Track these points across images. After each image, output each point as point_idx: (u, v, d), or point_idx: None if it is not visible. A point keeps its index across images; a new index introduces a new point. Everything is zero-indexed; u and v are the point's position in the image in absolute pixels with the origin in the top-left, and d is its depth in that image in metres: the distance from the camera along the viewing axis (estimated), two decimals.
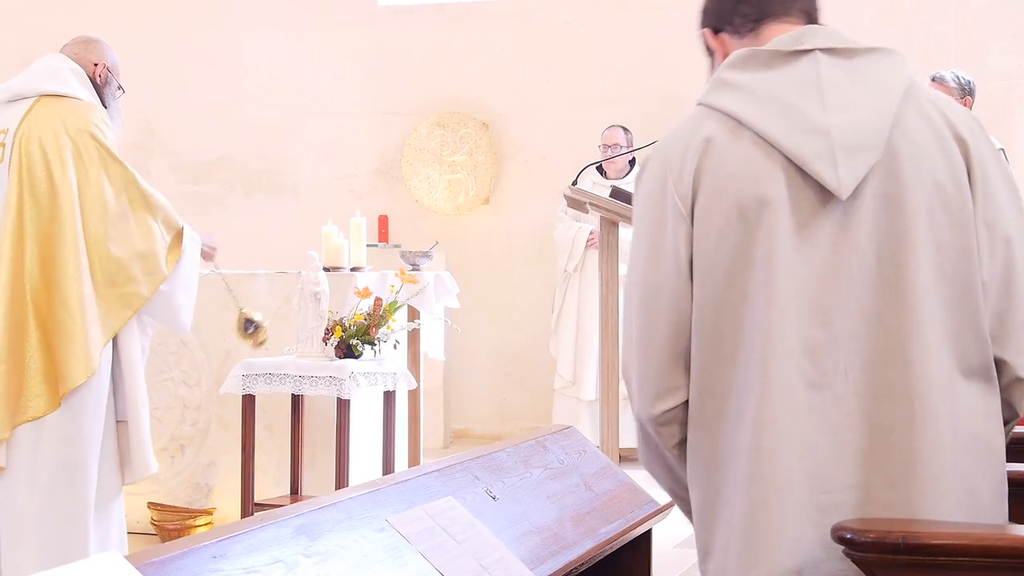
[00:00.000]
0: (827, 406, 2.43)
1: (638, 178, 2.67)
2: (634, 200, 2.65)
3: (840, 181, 2.43)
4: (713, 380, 2.50)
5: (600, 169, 9.41)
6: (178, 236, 4.90)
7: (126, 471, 4.89)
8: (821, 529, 2.40)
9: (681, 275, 2.51)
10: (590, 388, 9.54)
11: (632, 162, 9.69)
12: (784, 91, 2.50)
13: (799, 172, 2.45)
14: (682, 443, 2.59)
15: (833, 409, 2.43)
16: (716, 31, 2.74)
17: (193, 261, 4.98)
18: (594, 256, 9.59)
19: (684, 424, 2.57)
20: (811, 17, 2.66)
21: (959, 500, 2.43)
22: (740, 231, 2.47)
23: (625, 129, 9.81)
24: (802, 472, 2.41)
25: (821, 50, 2.53)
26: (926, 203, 2.45)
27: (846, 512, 2.41)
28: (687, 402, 2.55)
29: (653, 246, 2.55)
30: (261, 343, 5.61)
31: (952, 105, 2.59)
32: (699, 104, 2.61)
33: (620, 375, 8.20)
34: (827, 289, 2.44)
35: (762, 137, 2.48)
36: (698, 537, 2.58)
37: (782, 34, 2.59)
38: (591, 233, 9.59)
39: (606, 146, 9.73)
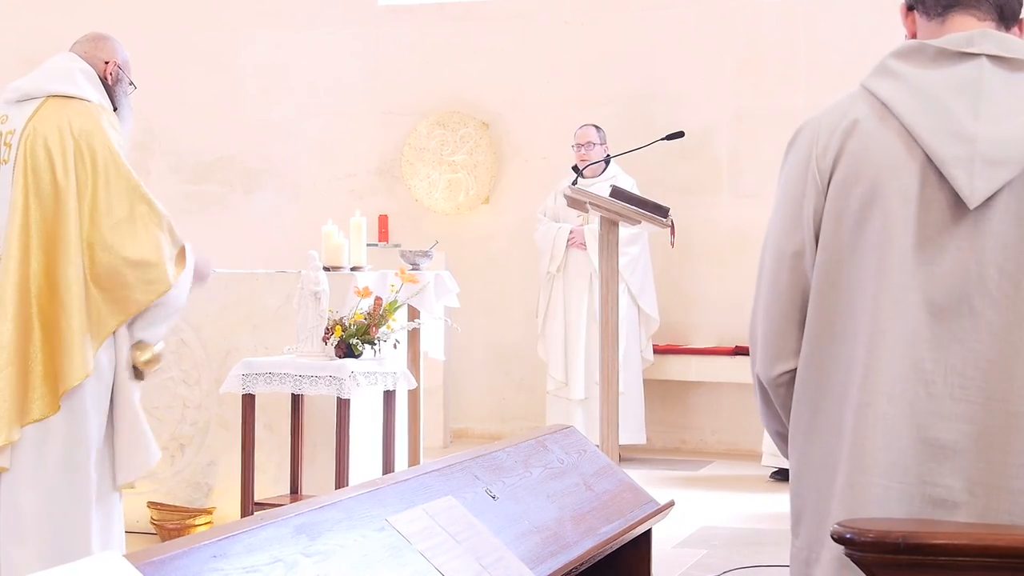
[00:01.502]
0: (921, 401, 2.47)
1: (788, 146, 2.71)
2: (782, 166, 2.72)
3: (973, 190, 2.45)
4: (822, 355, 2.58)
5: (576, 168, 9.40)
6: (182, 251, 4.88)
7: (120, 470, 4.86)
8: (900, 515, 2.45)
9: (810, 245, 2.60)
10: (580, 387, 9.55)
11: (607, 160, 9.64)
12: (942, 91, 2.51)
13: (936, 172, 2.48)
14: (787, 407, 2.69)
15: (927, 405, 2.47)
16: (909, 8, 2.73)
17: (189, 280, 4.93)
18: (576, 255, 9.61)
19: (792, 388, 2.67)
20: (1003, 13, 2.63)
21: None
22: (866, 216, 2.52)
23: (597, 127, 9.81)
24: (889, 459, 2.47)
25: (989, 56, 2.53)
26: None
27: (922, 505, 2.45)
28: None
29: (789, 215, 2.64)
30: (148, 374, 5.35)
31: None
32: (861, 85, 2.63)
33: (603, 372, 8.19)
34: (940, 290, 2.47)
35: (908, 131, 2.51)
36: (792, 501, 2.68)
37: (964, 28, 2.59)
38: (571, 232, 9.59)
39: (579, 145, 9.73)
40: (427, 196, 11.26)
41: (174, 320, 5.00)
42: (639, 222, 8.36)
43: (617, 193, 8.24)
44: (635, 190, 9.19)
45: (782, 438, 2.76)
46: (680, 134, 8.81)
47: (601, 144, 9.73)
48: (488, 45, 11.13)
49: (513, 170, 11.18)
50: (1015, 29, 2.65)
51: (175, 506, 6.93)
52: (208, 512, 6.87)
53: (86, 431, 4.71)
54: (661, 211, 8.29)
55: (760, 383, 2.73)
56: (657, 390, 10.14)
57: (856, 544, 2.33)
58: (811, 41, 10.01)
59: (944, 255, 2.47)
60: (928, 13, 2.67)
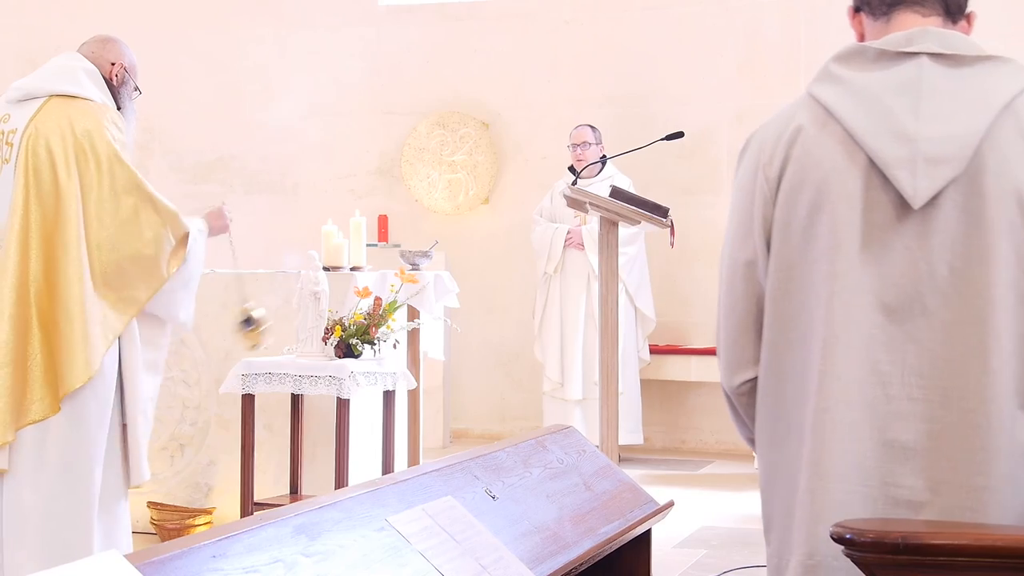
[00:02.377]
0: (878, 403, 2.47)
1: (739, 155, 2.73)
2: (734, 176, 2.73)
3: (916, 190, 2.45)
4: (779, 362, 2.59)
5: (572, 169, 9.40)
6: (183, 239, 4.88)
7: (133, 471, 4.87)
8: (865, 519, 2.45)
9: (762, 254, 2.61)
10: (577, 388, 9.55)
11: (604, 160, 9.64)
12: (882, 92, 2.51)
13: (880, 174, 2.48)
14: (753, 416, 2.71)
15: (884, 407, 2.47)
16: (856, 10, 2.73)
17: (198, 259, 4.96)
18: (573, 256, 9.60)
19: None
20: (948, 8, 2.63)
21: (1005, 515, 2.44)
22: (814, 222, 2.53)
23: (592, 127, 9.80)
24: (850, 463, 2.47)
25: (929, 55, 2.52)
26: (1007, 219, 2.45)
27: (886, 507, 2.45)
28: None
29: (741, 224, 2.65)
30: (254, 346, 5.53)
31: None
32: (806, 91, 2.64)
33: (603, 373, 8.20)
34: (892, 291, 2.47)
35: (849, 134, 2.51)
36: (762, 508, 2.70)
37: (909, 26, 2.59)
38: (568, 233, 9.59)
39: (575, 145, 9.72)
40: (427, 196, 11.26)
41: (193, 298, 5.00)
42: (639, 222, 8.36)
43: (617, 193, 8.25)
44: (632, 190, 9.19)
45: (754, 445, 2.77)
46: (680, 134, 8.81)
47: (597, 144, 9.72)
48: (488, 45, 11.14)
49: (513, 170, 11.18)
50: (963, 23, 2.65)
51: (175, 506, 6.93)
52: (208, 512, 6.87)
53: (88, 432, 4.70)
54: (661, 211, 8.30)
55: (726, 394, 2.75)
56: (657, 390, 10.14)
57: (856, 544, 2.33)
58: (811, 41, 10.01)
59: (893, 256, 2.47)
60: (874, 13, 2.67)
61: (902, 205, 2.47)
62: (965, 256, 2.45)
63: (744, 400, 2.70)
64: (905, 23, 2.61)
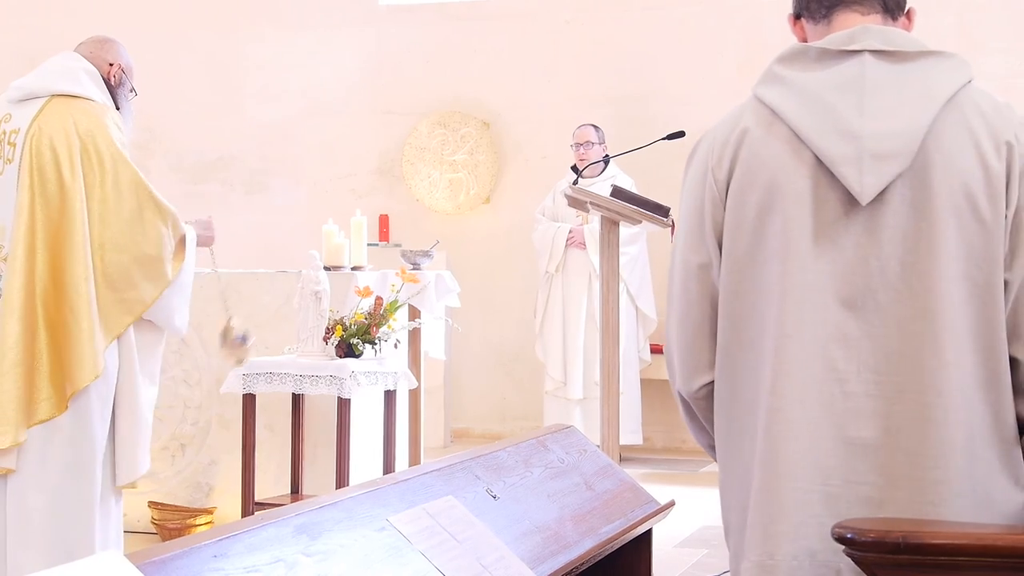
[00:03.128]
0: (836, 401, 2.47)
1: (688, 159, 2.74)
2: (683, 179, 2.74)
3: (863, 186, 2.45)
4: (733, 364, 2.59)
5: (575, 168, 9.40)
6: (181, 241, 4.89)
7: (119, 471, 4.87)
8: (825, 518, 2.45)
9: (715, 257, 2.62)
10: (578, 387, 9.55)
11: (606, 160, 9.66)
12: (826, 90, 2.52)
13: (828, 173, 2.49)
14: (711, 419, 2.71)
15: (842, 404, 2.47)
16: (796, 16, 2.75)
17: (192, 265, 4.97)
18: (575, 255, 9.60)
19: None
20: (887, 5, 2.64)
21: (964, 507, 2.44)
22: (764, 223, 2.53)
23: (595, 127, 9.80)
24: (807, 462, 2.47)
25: (871, 52, 2.53)
26: (954, 211, 2.46)
27: (848, 505, 2.45)
28: None
29: (692, 228, 2.66)
30: (240, 361, 5.54)
31: (1004, 110, 2.55)
32: (752, 93, 2.66)
33: (604, 372, 8.21)
34: (844, 288, 2.48)
35: (795, 133, 2.52)
36: (721, 512, 2.70)
37: (849, 25, 2.60)
38: (570, 232, 9.59)
39: (578, 144, 9.72)
40: (428, 196, 11.26)
41: (187, 304, 5.01)
42: (640, 222, 8.36)
43: (618, 193, 8.25)
44: (634, 190, 9.19)
45: (713, 451, 2.76)
46: (680, 134, 8.81)
47: (600, 144, 9.73)
48: (489, 45, 11.14)
49: (514, 170, 11.18)
50: (903, 20, 2.66)
51: (176, 506, 6.93)
52: (209, 512, 6.87)
53: (92, 431, 4.72)
54: (662, 211, 8.30)
55: (682, 398, 2.75)
56: (658, 390, 10.13)
57: (856, 544, 2.34)
58: None
59: (844, 253, 2.48)
60: (814, 17, 2.68)
61: (850, 202, 2.48)
62: (915, 250, 2.46)
63: (703, 404, 2.70)
64: (846, 23, 2.61)
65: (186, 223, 5.00)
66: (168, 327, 4.98)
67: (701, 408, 2.71)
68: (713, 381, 2.65)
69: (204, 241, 5.19)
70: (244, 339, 5.38)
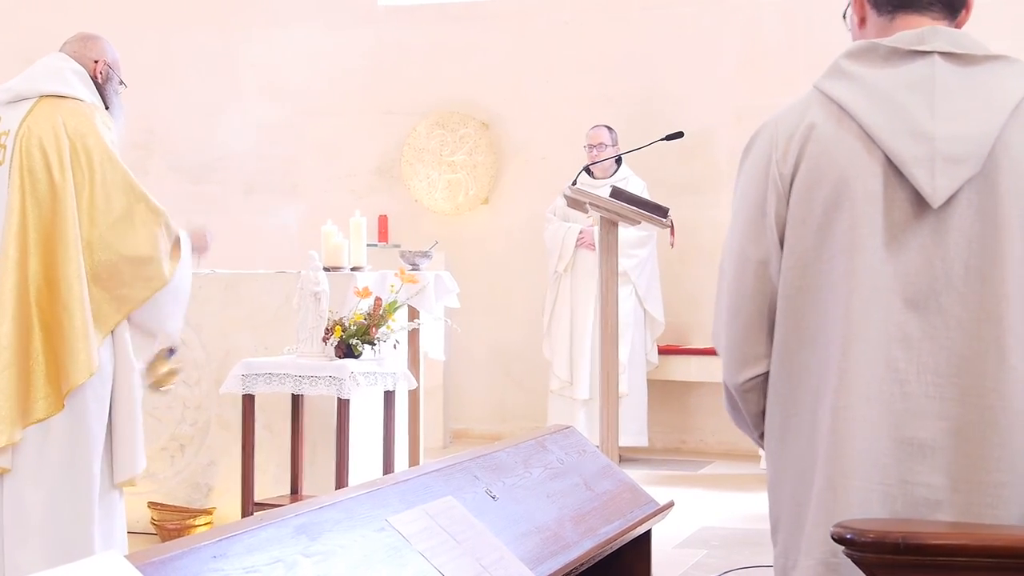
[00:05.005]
0: (897, 401, 2.47)
1: (745, 150, 2.71)
2: (739, 170, 2.71)
3: (935, 189, 2.45)
4: (792, 360, 2.59)
5: (587, 169, 9.41)
6: (177, 242, 4.90)
7: (116, 468, 4.87)
8: (887, 515, 2.45)
9: (775, 251, 2.60)
10: (584, 388, 9.56)
11: (618, 161, 9.68)
12: (896, 90, 2.51)
13: (897, 173, 2.48)
14: (758, 413, 2.70)
15: (903, 405, 2.47)
16: None
17: (188, 269, 4.97)
18: (584, 255, 9.60)
19: (762, 394, 2.68)
20: (954, 8, 2.62)
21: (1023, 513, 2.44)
22: (831, 220, 2.52)
23: (609, 128, 9.81)
24: (869, 461, 2.47)
25: (940, 53, 2.53)
26: (1020, 217, 2.46)
27: (904, 506, 2.45)
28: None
29: (752, 220, 2.63)
30: (164, 389, 5.38)
31: None
32: (814, 86, 2.63)
33: (603, 373, 8.21)
34: (909, 289, 2.48)
35: (866, 132, 2.51)
36: (770, 508, 2.68)
37: (912, 26, 2.59)
38: (580, 232, 9.60)
39: (591, 145, 9.73)
40: (427, 196, 11.26)
41: (183, 309, 5.01)
42: (639, 222, 8.36)
43: (617, 193, 8.25)
44: (645, 193, 9.21)
45: (758, 441, 2.77)
46: (679, 134, 8.81)
47: (613, 145, 9.74)
48: (488, 45, 11.14)
49: (513, 170, 11.18)
50: (963, 13, 2.65)
51: (175, 506, 6.93)
52: (208, 512, 6.87)
53: (89, 429, 4.72)
54: (661, 211, 8.30)
55: (728, 390, 2.74)
56: (658, 391, 10.14)
57: (856, 544, 2.34)
58: (811, 41, 10.01)
59: (910, 254, 2.48)
60: (878, 8, 2.66)
61: (919, 203, 2.47)
62: (980, 254, 2.46)
63: (749, 397, 2.69)
64: (908, 24, 2.60)
65: (182, 230, 5.00)
66: (160, 332, 4.97)
67: (746, 401, 2.69)
68: (762, 374, 2.65)
69: (199, 249, 5.18)
70: (171, 352, 5.28)
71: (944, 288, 2.47)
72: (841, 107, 2.55)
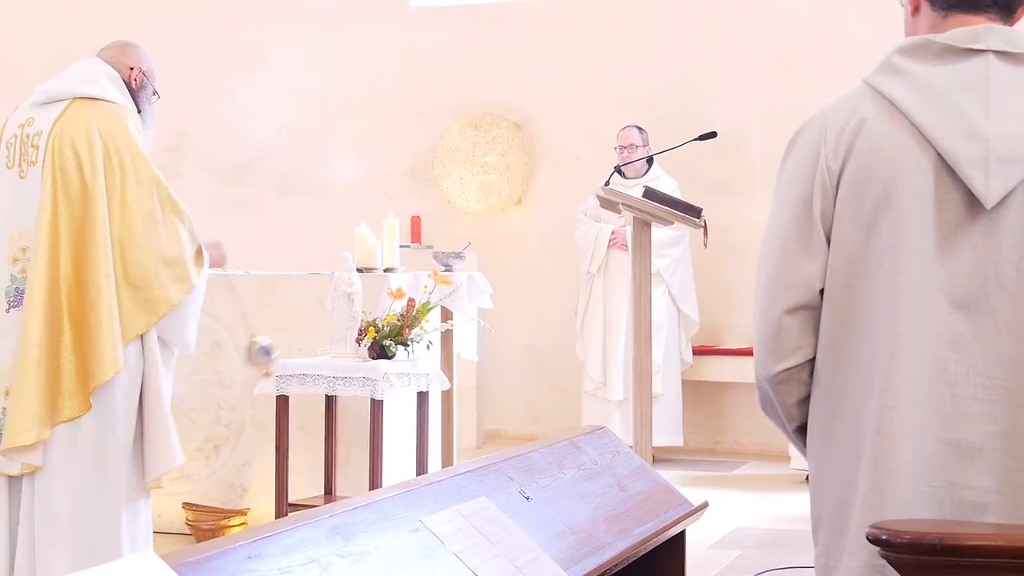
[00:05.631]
0: (944, 403, 2.45)
1: (790, 144, 2.67)
2: (783, 163, 2.68)
3: (988, 190, 2.43)
4: (837, 357, 2.56)
5: (618, 170, 9.39)
6: (200, 250, 4.93)
7: (147, 469, 4.88)
8: (934, 517, 2.44)
9: (817, 246, 2.56)
10: (618, 388, 9.54)
11: (649, 161, 9.67)
12: (950, 88, 2.49)
13: (949, 171, 2.46)
14: (798, 403, 2.66)
15: (952, 407, 2.45)
16: None
17: (205, 280, 5.00)
18: (617, 256, 9.59)
19: (801, 385, 2.64)
20: (1010, 9, 2.59)
21: None
22: (879, 218, 2.50)
23: (639, 128, 9.80)
24: (916, 463, 2.45)
25: (995, 52, 2.50)
26: None
27: (951, 508, 2.43)
28: (807, 364, 2.61)
29: (796, 214, 2.59)
30: (268, 374, 5.56)
31: None
32: (864, 82, 2.60)
33: (636, 373, 8.19)
34: (959, 290, 2.45)
35: (918, 130, 2.48)
36: (812, 506, 2.65)
37: (966, 23, 2.55)
38: (612, 233, 9.59)
39: (622, 147, 9.72)
40: (459, 197, 11.27)
41: (196, 320, 5.03)
42: (671, 223, 8.34)
43: (650, 194, 8.23)
44: (677, 192, 9.18)
45: (793, 437, 2.75)
46: (712, 134, 8.79)
47: (643, 146, 9.73)
48: (520, 46, 11.13)
49: (545, 171, 11.18)
50: (1020, 11, 2.62)
51: (210, 507, 6.95)
52: (242, 513, 6.89)
53: (117, 429, 4.74)
54: (693, 211, 8.28)
55: (760, 384, 2.70)
56: (692, 391, 10.12)
57: (892, 545, 2.32)
58: (844, 39, 9.98)
59: (961, 255, 2.45)
60: (932, 2, 2.62)
61: (971, 204, 2.45)
62: None
63: (782, 388, 2.65)
64: (963, 21, 2.57)
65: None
66: (180, 343, 4.98)
67: (779, 392, 2.65)
68: (793, 366, 2.61)
69: (216, 261, 5.20)
70: (268, 352, 5.40)
71: (994, 289, 2.44)
72: (893, 103, 2.51)
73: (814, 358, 2.62)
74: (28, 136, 4.86)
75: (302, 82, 11.60)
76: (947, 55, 2.51)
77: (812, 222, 2.57)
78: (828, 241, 2.56)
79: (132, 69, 5.09)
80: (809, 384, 2.64)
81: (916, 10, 2.66)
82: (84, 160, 4.76)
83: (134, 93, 5.08)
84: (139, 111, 5.08)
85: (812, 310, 2.59)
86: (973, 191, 2.43)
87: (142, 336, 4.81)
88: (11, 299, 4.79)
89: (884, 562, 2.41)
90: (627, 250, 9.40)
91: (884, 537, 2.33)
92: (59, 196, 4.75)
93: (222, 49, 11.59)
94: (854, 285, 2.53)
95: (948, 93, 2.48)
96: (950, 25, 2.57)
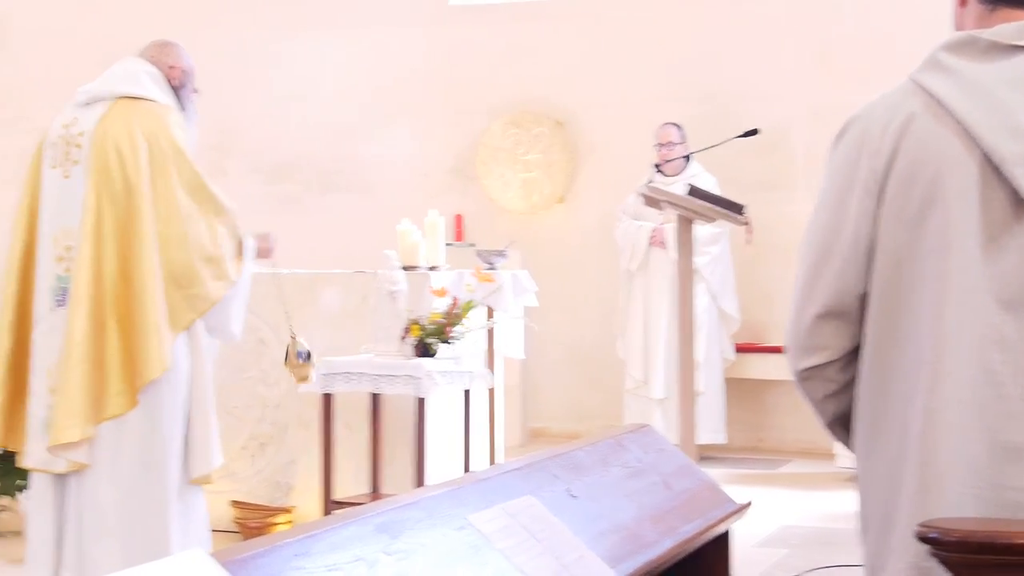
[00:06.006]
0: (990, 404, 2.42)
1: (837, 140, 2.65)
2: (827, 162, 2.66)
3: None
4: (883, 360, 2.54)
5: (658, 167, 9.38)
6: (240, 244, 4.95)
7: (191, 465, 4.91)
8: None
9: (857, 247, 2.55)
10: (659, 387, 9.52)
11: (687, 158, 9.64)
12: (996, 85, 2.46)
13: (995, 171, 2.43)
14: (824, 399, 2.68)
15: (996, 407, 2.42)
16: None
17: (250, 271, 5.02)
18: (657, 254, 9.57)
19: (827, 382, 2.66)
20: None
21: None
22: (925, 217, 2.47)
23: (677, 125, 9.78)
24: (962, 464, 2.43)
25: None
26: None
27: (997, 510, 2.41)
28: (833, 362, 2.63)
29: (837, 213, 2.58)
30: (304, 379, 5.58)
31: None
32: (910, 78, 2.57)
33: (680, 370, 8.17)
34: (1006, 290, 2.43)
35: (964, 128, 2.45)
36: (859, 507, 2.65)
37: (1013, 19, 2.53)
38: (653, 231, 9.56)
39: (660, 144, 9.70)
40: (502, 195, 11.28)
41: (244, 313, 5.06)
42: (715, 220, 8.33)
43: (694, 191, 8.22)
44: (716, 189, 9.15)
45: (834, 433, 2.76)
46: (756, 131, 8.76)
47: (681, 143, 9.72)
48: (561, 43, 11.13)
49: (588, 169, 11.17)
50: None
51: (256, 504, 6.99)
52: (288, 511, 6.93)
53: (164, 426, 4.77)
54: (737, 208, 8.26)
55: (793, 375, 2.72)
56: (736, 389, 10.09)
57: (941, 544, 2.31)
58: (888, 34, 9.92)
59: (1007, 255, 2.42)
60: None
61: (1017, 203, 2.41)
62: None
63: (807, 385, 2.67)
64: (1010, 16, 2.54)
65: (247, 233, 5.05)
66: (223, 333, 5.01)
67: (807, 388, 2.68)
68: (821, 364, 2.63)
69: (263, 253, 5.23)
70: (307, 356, 5.42)
71: None
72: (939, 101, 2.48)
73: (841, 358, 2.62)
74: (72, 136, 4.90)
75: (345, 81, 11.63)
76: (993, 52, 2.49)
77: (853, 224, 2.55)
78: (871, 242, 2.54)
79: (173, 68, 5.12)
80: (836, 381, 2.65)
81: (964, 2, 2.63)
82: (127, 159, 4.79)
83: (176, 91, 5.12)
84: (182, 109, 5.11)
85: (844, 314, 2.59)
86: (1018, 190, 2.40)
87: (188, 332, 4.84)
88: (58, 297, 4.83)
89: (931, 564, 2.39)
90: (667, 248, 9.39)
91: (933, 535, 2.32)
92: (103, 195, 4.78)
93: (264, 48, 11.64)
94: (900, 285, 2.51)
95: (994, 90, 2.45)
96: (997, 19, 2.54)
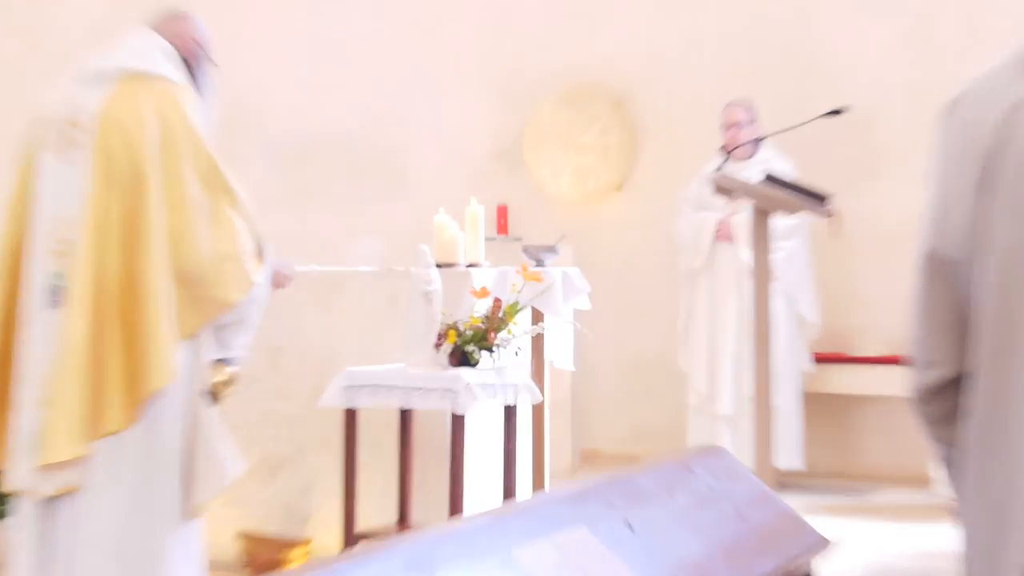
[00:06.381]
0: None
1: (938, 129, 2.66)
2: (936, 148, 2.67)
3: None
4: (999, 375, 2.53)
5: (724, 150, 9.34)
6: (259, 246, 4.94)
7: (195, 489, 4.90)
8: None
9: (970, 246, 2.55)
10: (726, 402, 9.45)
11: (758, 141, 9.59)
12: None
13: None
14: (938, 421, 2.70)
15: None
16: None
17: (269, 281, 5.01)
18: (723, 250, 9.52)
19: (944, 401, 2.66)
20: None
21: None
22: None
23: (745, 106, 9.71)
24: None
25: None
26: None
27: None
28: (955, 382, 2.63)
29: (944, 213, 2.59)
30: (220, 398, 5.44)
31: None
32: (1015, 57, 2.57)
33: (756, 385, 8.12)
34: None
35: None
36: (963, 545, 2.65)
37: None
38: (718, 224, 9.50)
39: (727, 126, 9.63)
40: (551, 183, 11.27)
41: (254, 326, 5.03)
42: (795, 211, 8.28)
43: (771, 178, 8.17)
44: (792, 175, 9.09)
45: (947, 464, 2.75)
46: (842, 110, 8.71)
47: (751, 123, 9.65)
48: (620, 12, 11.11)
49: (650, 153, 11.15)
50: None
51: (267, 536, 6.99)
52: (304, 544, 6.93)
53: (167, 444, 4.77)
54: (820, 198, 8.20)
55: (912, 391, 2.73)
56: (818, 405, 10.03)
57: None
58: (992, 6, 9.86)
59: None
60: None
61: None
62: None
63: (926, 408, 2.69)
64: None
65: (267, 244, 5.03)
66: (229, 345, 4.99)
67: (924, 412, 2.70)
68: (939, 383, 2.64)
69: (279, 281, 5.19)
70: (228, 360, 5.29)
71: None
72: None
73: (959, 377, 2.61)
74: (73, 117, 4.88)
75: (376, 56, 11.66)
76: None
77: (960, 219, 2.55)
78: (978, 242, 2.53)
79: (187, 40, 5.12)
80: (953, 403, 2.65)
81: None
82: (136, 143, 4.78)
83: (190, 66, 5.11)
84: (196, 85, 5.10)
85: (957, 326, 2.60)
86: None
87: (198, 339, 4.82)
88: (53, 296, 4.80)
89: None
90: (735, 243, 9.32)
91: None
92: (108, 185, 4.77)
93: (289, 24, 11.69)
94: (1012, 289, 2.48)
95: None
96: None
